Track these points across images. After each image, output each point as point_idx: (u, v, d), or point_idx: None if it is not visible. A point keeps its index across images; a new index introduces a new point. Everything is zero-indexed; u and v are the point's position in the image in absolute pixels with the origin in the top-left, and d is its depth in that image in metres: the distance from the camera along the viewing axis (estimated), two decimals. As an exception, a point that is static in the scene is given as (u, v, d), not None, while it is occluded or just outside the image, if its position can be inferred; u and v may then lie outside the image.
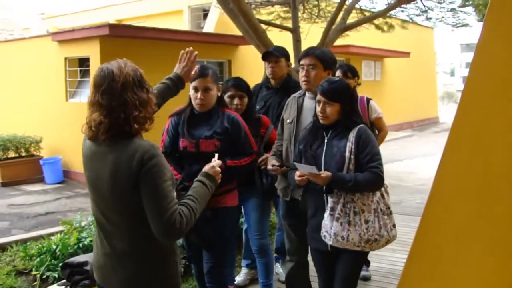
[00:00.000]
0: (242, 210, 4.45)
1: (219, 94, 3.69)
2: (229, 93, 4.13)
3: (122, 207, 2.29)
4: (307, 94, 3.78)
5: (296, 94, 3.87)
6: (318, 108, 3.26)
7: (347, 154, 3.15)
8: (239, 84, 4.17)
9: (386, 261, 5.16)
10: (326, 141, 3.27)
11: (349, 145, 3.15)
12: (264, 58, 4.65)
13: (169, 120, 3.79)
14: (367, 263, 4.91)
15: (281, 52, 4.61)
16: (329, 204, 3.18)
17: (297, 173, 3.22)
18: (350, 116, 3.25)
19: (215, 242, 3.61)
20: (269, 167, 3.77)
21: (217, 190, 3.45)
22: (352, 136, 3.17)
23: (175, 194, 2.30)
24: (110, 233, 2.37)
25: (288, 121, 3.80)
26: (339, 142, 3.20)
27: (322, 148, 3.27)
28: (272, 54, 4.58)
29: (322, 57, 3.67)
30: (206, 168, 2.59)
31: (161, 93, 3.14)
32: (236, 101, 4.12)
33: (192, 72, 3.31)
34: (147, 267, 2.37)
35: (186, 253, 3.98)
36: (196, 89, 3.58)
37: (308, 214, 3.47)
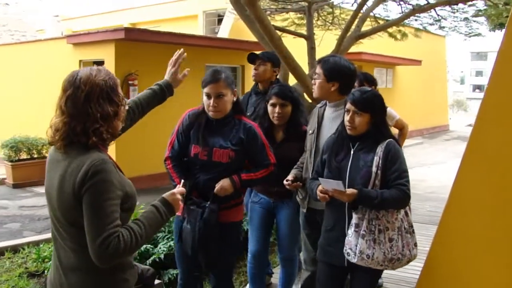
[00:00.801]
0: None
1: (235, 99, 3.51)
2: (271, 101, 3.97)
3: (68, 220, 2.14)
4: (328, 103, 3.71)
5: (319, 105, 3.81)
6: (347, 117, 3.14)
7: (374, 169, 3.03)
8: (282, 92, 3.96)
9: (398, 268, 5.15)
10: (352, 152, 3.15)
11: (377, 159, 3.04)
12: (249, 60, 4.69)
13: (179, 123, 3.60)
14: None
15: (267, 57, 4.64)
16: (354, 220, 3.05)
17: (320, 188, 3.10)
18: (379, 128, 3.14)
19: (219, 260, 3.47)
20: (284, 181, 3.68)
21: (225, 204, 3.43)
22: (380, 150, 3.06)
23: (118, 215, 2.09)
24: (59, 245, 2.24)
25: (310, 132, 3.75)
26: (366, 155, 3.08)
27: (348, 160, 3.14)
28: (258, 57, 4.63)
29: (326, 67, 3.56)
30: (166, 194, 2.37)
31: (146, 99, 3.08)
32: (277, 109, 3.93)
33: (180, 76, 3.24)
34: (94, 285, 2.20)
35: (184, 273, 3.72)
36: (208, 96, 3.39)
37: (323, 226, 3.37)
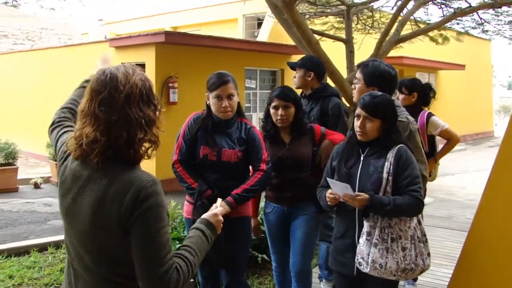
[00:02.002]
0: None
1: (238, 100, 3.61)
2: (273, 104, 3.84)
3: (100, 249, 1.81)
4: None
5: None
6: (357, 123, 3.04)
7: (384, 175, 2.93)
8: (284, 94, 3.83)
9: (433, 276, 5.10)
10: (362, 159, 3.05)
11: (388, 165, 2.93)
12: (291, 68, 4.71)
13: (184, 127, 3.66)
14: (415, 278, 4.85)
15: (300, 64, 4.58)
16: (366, 229, 2.93)
17: (329, 191, 3.01)
18: (390, 134, 3.02)
19: (230, 257, 3.49)
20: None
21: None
22: (391, 156, 2.95)
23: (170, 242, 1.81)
24: (79, 275, 1.90)
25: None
26: (377, 161, 2.99)
27: (357, 166, 3.04)
28: (291, 66, 4.63)
29: (365, 72, 3.48)
30: (207, 214, 2.10)
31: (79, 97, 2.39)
32: (280, 111, 3.79)
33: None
34: None
35: (201, 273, 3.82)
36: (219, 97, 3.47)
37: (333, 234, 3.27)
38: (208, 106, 3.59)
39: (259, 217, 4.26)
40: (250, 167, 3.68)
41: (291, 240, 3.93)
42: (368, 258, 2.88)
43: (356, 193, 2.87)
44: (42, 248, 6.13)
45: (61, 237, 6.65)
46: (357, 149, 3.09)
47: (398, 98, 5.05)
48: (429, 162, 5.10)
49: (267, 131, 3.90)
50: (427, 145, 4.98)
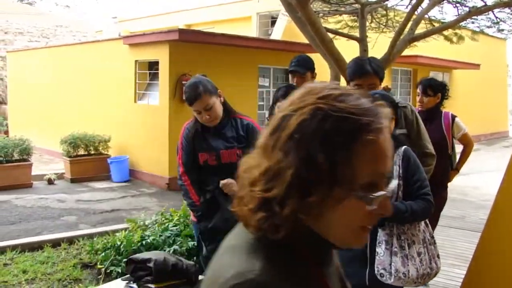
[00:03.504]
0: None
1: (222, 100, 3.51)
2: (279, 104, 3.69)
3: None
4: None
5: None
6: None
7: (396, 180, 2.81)
8: (290, 93, 3.80)
9: (445, 276, 5.07)
10: None
11: (397, 169, 2.82)
12: (290, 73, 4.60)
13: (181, 138, 3.62)
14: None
15: (306, 67, 4.51)
16: (383, 237, 2.80)
17: None
18: (394, 135, 2.82)
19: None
20: None
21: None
22: (398, 159, 2.84)
23: None
24: None
25: None
26: None
27: None
28: (297, 72, 4.50)
29: (378, 72, 3.44)
30: None
31: None
32: None
33: None
34: None
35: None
36: (198, 111, 3.43)
37: None
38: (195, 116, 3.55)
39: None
40: None
41: None
42: (391, 268, 2.75)
43: None
44: (55, 243, 6.19)
45: (74, 233, 6.72)
46: None
47: (423, 100, 4.86)
48: (451, 172, 5.00)
49: None
50: (451, 148, 4.88)
